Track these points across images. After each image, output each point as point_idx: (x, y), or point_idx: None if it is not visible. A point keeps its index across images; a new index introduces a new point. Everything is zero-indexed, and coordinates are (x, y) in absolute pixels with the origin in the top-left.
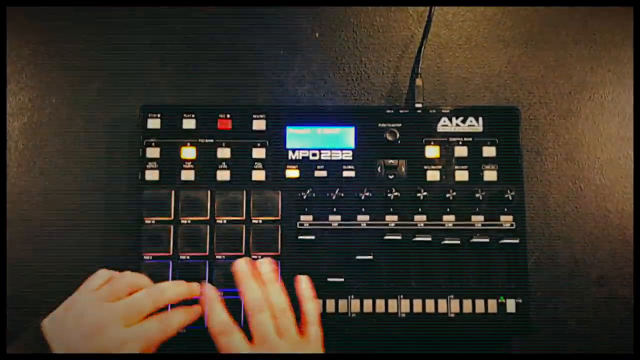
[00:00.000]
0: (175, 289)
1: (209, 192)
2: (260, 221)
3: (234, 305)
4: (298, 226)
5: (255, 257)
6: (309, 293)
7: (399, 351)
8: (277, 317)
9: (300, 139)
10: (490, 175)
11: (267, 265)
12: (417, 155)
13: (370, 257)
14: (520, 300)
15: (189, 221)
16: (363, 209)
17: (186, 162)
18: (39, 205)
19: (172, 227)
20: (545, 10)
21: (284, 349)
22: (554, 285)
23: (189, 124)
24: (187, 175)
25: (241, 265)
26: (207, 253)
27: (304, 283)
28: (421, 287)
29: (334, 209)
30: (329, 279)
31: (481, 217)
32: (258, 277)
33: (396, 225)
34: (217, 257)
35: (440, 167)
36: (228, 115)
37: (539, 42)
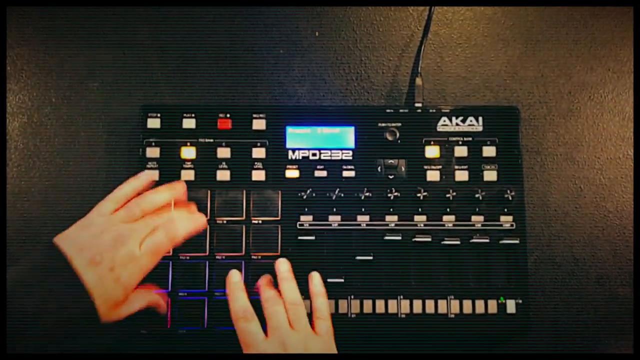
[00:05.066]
0: (187, 224)
1: (209, 192)
2: (260, 221)
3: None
4: (298, 226)
5: (255, 257)
6: (320, 289)
7: (399, 351)
8: (289, 309)
9: (300, 139)
10: (490, 175)
11: (284, 265)
12: (417, 155)
13: (370, 257)
14: (520, 301)
15: None
16: (363, 209)
17: (186, 162)
18: (39, 205)
19: None
20: (545, 10)
21: (295, 340)
22: (554, 285)
23: (188, 123)
24: (187, 175)
25: (266, 279)
26: (207, 253)
27: (316, 279)
28: (421, 287)
29: (334, 209)
30: (329, 280)
31: (481, 217)
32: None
33: (396, 225)
34: (217, 257)
35: (440, 167)
36: (228, 115)
37: (539, 41)
